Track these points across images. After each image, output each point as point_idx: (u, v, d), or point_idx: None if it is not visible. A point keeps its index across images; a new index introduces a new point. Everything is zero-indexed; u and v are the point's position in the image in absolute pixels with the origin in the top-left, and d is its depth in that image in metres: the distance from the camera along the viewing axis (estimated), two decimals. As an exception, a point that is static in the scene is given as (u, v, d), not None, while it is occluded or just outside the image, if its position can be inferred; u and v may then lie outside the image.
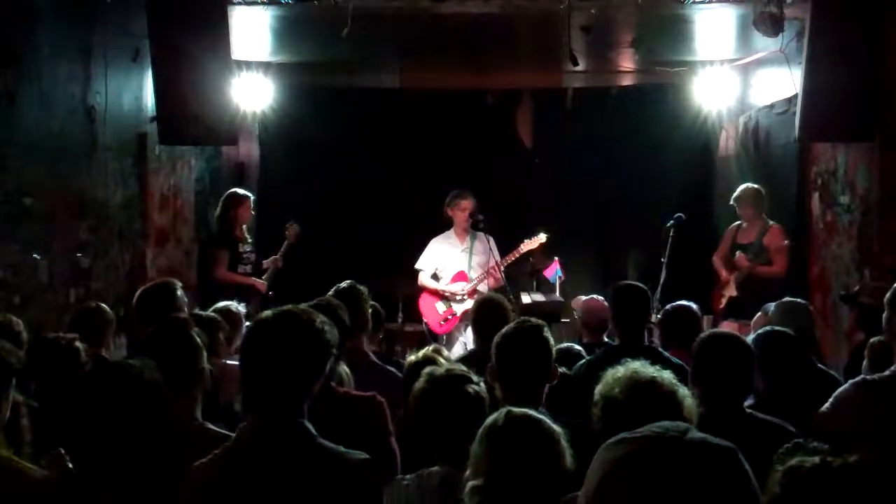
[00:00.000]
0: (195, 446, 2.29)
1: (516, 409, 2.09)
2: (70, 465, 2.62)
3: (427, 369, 2.74)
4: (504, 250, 6.90)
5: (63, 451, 2.64)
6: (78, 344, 3.38)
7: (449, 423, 2.50)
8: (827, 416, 2.92)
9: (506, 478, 1.94)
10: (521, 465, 1.95)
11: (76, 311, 4.53)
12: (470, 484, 2.00)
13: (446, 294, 6.84)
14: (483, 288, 6.70)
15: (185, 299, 4.29)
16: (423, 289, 6.96)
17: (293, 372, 2.17)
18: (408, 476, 2.49)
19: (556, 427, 2.02)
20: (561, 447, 1.99)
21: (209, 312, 4.27)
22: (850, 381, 3.04)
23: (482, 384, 2.66)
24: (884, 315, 3.03)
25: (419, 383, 2.66)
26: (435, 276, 6.98)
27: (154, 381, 2.06)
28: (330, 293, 4.11)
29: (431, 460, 2.53)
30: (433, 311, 6.89)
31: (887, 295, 3.02)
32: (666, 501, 1.04)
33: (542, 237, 6.85)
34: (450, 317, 6.82)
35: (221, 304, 4.71)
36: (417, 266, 6.99)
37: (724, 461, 1.07)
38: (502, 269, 6.66)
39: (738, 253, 6.48)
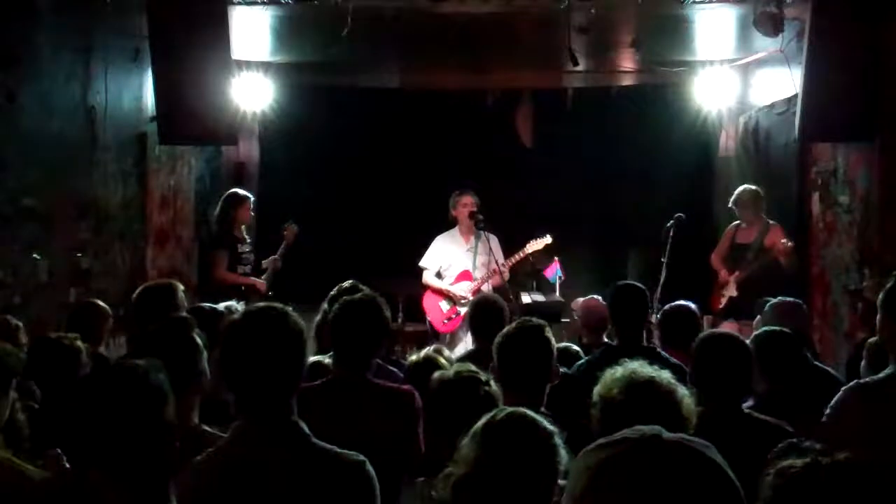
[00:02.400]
0: (191, 449, 2.28)
1: (513, 409, 2.08)
2: (67, 465, 2.63)
3: (436, 374, 2.73)
4: (504, 251, 6.90)
5: (60, 451, 2.64)
6: (79, 344, 3.38)
7: (463, 425, 2.49)
8: (826, 426, 2.92)
9: (494, 475, 1.92)
10: (512, 464, 1.93)
11: (73, 309, 4.54)
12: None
13: (450, 294, 6.83)
14: (486, 288, 6.69)
15: (185, 303, 4.28)
16: (428, 287, 6.93)
17: (275, 370, 2.16)
18: (428, 478, 2.47)
19: (553, 429, 2.01)
20: (557, 450, 1.97)
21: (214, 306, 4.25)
22: (844, 388, 3.03)
23: (492, 383, 2.65)
24: (877, 317, 3.03)
25: (431, 388, 2.65)
26: (438, 275, 6.94)
27: (158, 383, 2.05)
28: (333, 293, 4.12)
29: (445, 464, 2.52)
30: (437, 310, 6.88)
31: (880, 296, 3.02)
32: (651, 503, 1.05)
33: (547, 239, 6.83)
34: (453, 316, 6.79)
35: (223, 304, 4.70)
36: (422, 264, 6.94)
37: (702, 459, 1.08)
38: (505, 270, 6.64)
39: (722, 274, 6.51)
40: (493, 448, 1.94)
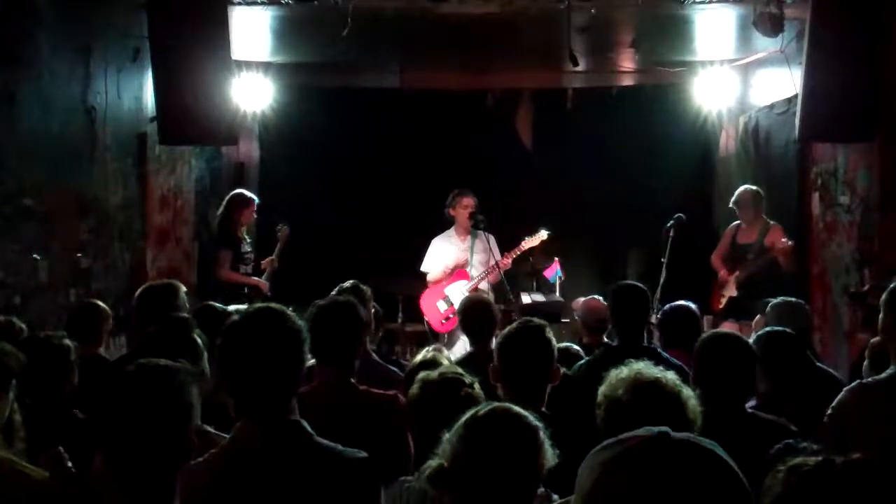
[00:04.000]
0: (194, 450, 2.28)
1: (499, 404, 2.07)
2: (69, 465, 2.62)
3: (420, 374, 2.73)
4: (504, 250, 6.91)
5: (62, 451, 2.64)
6: (68, 342, 3.36)
7: (445, 426, 2.49)
8: (828, 426, 2.92)
9: (472, 468, 1.91)
10: (491, 458, 1.91)
11: (73, 309, 4.53)
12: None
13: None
14: (484, 286, 6.70)
15: (186, 303, 4.28)
16: (430, 286, 6.94)
17: (274, 370, 2.16)
18: (409, 477, 2.49)
19: (537, 424, 2.00)
20: (540, 446, 1.96)
21: (224, 306, 4.25)
22: (846, 388, 3.04)
23: (476, 385, 2.66)
24: (880, 317, 3.03)
25: (413, 389, 2.66)
26: (438, 278, 7.01)
27: (190, 385, 2.03)
28: (333, 292, 4.12)
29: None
30: (434, 310, 6.89)
31: (883, 296, 3.02)
32: (660, 502, 1.05)
33: (543, 234, 6.85)
34: (451, 315, 6.79)
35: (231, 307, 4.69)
36: (423, 269, 6.96)
37: (711, 457, 1.08)
38: (503, 267, 6.65)
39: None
40: (473, 441, 1.93)
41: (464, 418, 1.99)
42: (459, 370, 2.75)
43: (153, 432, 1.91)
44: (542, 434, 1.95)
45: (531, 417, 1.99)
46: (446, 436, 1.98)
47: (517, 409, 2.01)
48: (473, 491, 1.89)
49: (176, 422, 1.94)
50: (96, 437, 2.13)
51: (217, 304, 4.20)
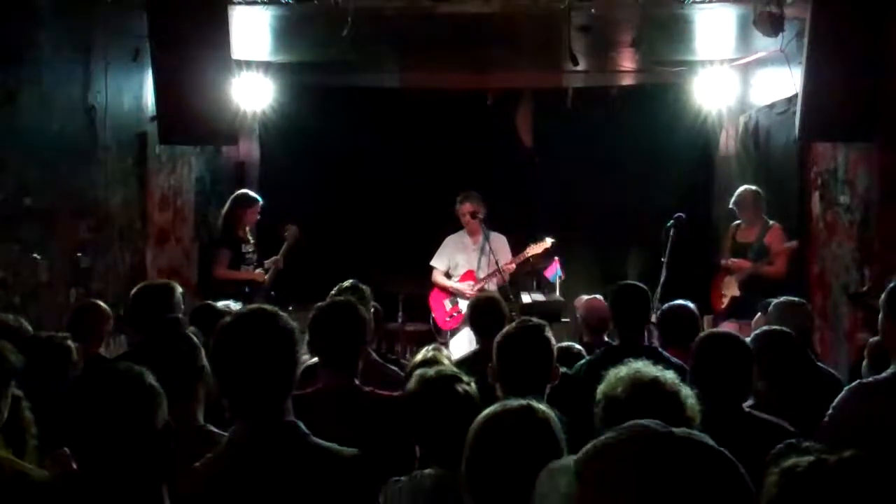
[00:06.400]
0: (198, 448, 2.28)
1: (515, 400, 2.06)
2: (74, 466, 2.63)
3: (417, 371, 2.73)
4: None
5: (68, 451, 2.64)
6: (70, 343, 3.36)
7: (440, 424, 2.49)
8: (829, 426, 2.92)
9: (494, 463, 1.90)
10: (515, 452, 1.91)
11: (73, 309, 4.53)
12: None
13: (456, 291, 6.96)
14: (491, 287, 6.75)
15: (182, 303, 4.27)
16: (435, 285, 7.09)
17: (267, 372, 2.15)
18: (401, 477, 2.49)
19: (555, 418, 1.99)
20: (560, 441, 1.95)
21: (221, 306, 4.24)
22: (847, 388, 3.03)
23: (472, 384, 2.65)
24: (880, 317, 3.03)
25: (410, 386, 2.66)
26: (447, 275, 7.13)
27: (150, 384, 2.04)
28: (333, 292, 4.13)
29: (426, 462, 2.53)
30: (441, 308, 7.09)
31: (883, 297, 3.02)
32: (662, 498, 1.04)
33: (547, 242, 6.87)
34: (455, 314, 6.93)
35: (220, 303, 4.70)
36: (432, 263, 7.12)
37: (713, 454, 1.08)
38: (505, 271, 6.66)
39: (731, 261, 6.53)
40: (492, 437, 1.92)
41: (492, 417, 1.98)
42: (456, 370, 2.75)
43: (114, 435, 1.92)
44: (561, 434, 1.94)
45: (553, 416, 1.98)
46: (469, 431, 1.97)
47: (538, 404, 2.00)
48: (491, 489, 1.88)
49: (138, 421, 1.94)
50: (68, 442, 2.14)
51: (215, 304, 4.19)
